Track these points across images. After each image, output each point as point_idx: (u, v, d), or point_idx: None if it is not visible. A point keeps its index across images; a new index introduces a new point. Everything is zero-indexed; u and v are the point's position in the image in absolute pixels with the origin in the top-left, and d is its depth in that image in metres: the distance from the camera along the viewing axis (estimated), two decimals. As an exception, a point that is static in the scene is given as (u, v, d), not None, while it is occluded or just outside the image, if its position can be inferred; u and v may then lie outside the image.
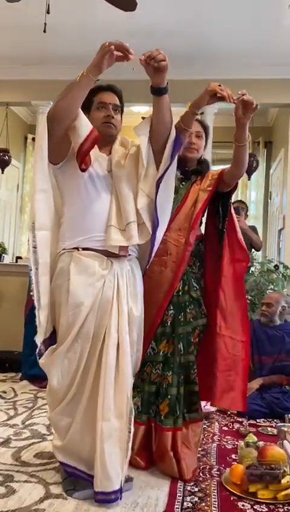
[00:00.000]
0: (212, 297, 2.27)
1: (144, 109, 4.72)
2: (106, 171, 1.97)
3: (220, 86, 1.94)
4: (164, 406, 2.15)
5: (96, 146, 1.96)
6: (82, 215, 1.91)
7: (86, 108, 2.03)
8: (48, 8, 2.61)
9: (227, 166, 2.26)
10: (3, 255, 4.85)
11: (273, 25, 3.74)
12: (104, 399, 1.82)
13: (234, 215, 2.34)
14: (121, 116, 2.08)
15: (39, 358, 1.92)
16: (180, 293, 2.21)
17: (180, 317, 2.19)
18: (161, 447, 2.12)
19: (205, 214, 2.35)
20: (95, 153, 1.95)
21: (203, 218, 2.37)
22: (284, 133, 4.86)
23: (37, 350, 1.89)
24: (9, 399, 3.36)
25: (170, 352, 2.18)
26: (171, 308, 2.18)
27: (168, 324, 2.18)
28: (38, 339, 1.87)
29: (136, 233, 1.90)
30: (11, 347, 4.28)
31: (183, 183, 2.29)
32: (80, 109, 1.87)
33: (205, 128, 2.33)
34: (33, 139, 5.00)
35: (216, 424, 2.93)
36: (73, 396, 1.90)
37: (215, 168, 2.38)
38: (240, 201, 4.84)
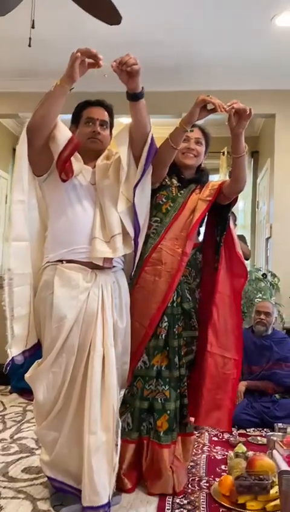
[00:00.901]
0: (206, 312, 2.20)
1: (125, 120, 4.74)
2: (90, 183, 1.98)
3: (209, 96, 1.91)
4: (162, 422, 2.06)
5: (81, 159, 1.97)
6: (66, 228, 1.91)
7: (75, 122, 2.06)
8: (33, 22, 2.63)
9: (216, 176, 2.25)
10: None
11: (258, 37, 3.79)
12: (91, 412, 1.81)
13: (233, 227, 2.27)
14: (111, 131, 2.09)
15: (9, 370, 1.88)
16: (174, 304, 2.13)
17: (174, 329, 2.12)
18: (158, 464, 2.04)
19: (204, 224, 2.30)
20: (80, 165, 1.96)
21: (201, 228, 2.32)
22: (270, 143, 4.91)
23: (7, 361, 1.85)
24: (-2, 413, 3.33)
25: (165, 366, 2.10)
26: (166, 320, 2.10)
27: (162, 337, 2.10)
28: (14, 350, 1.85)
29: (121, 245, 1.90)
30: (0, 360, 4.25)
31: (182, 191, 2.21)
32: (58, 119, 1.88)
33: (206, 135, 2.26)
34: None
35: (206, 434, 2.93)
36: (59, 411, 1.88)
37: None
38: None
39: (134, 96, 1.87)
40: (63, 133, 1.89)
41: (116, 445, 1.85)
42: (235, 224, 4.70)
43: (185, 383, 2.15)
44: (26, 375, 1.91)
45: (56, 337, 1.84)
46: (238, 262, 2.22)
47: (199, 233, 2.29)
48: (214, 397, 2.12)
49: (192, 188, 2.23)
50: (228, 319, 2.19)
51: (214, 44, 3.89)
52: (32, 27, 2.62)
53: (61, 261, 1.90)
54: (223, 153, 5.73)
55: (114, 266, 1.97)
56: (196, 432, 2.90)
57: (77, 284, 1.86)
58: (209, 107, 1.92)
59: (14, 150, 6.06)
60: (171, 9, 3.40)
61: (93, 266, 1.90)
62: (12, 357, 1.85)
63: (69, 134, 1.91)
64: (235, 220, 4.68)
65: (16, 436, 2.81)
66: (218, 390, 2.13)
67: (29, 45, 2.62)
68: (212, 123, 5.00)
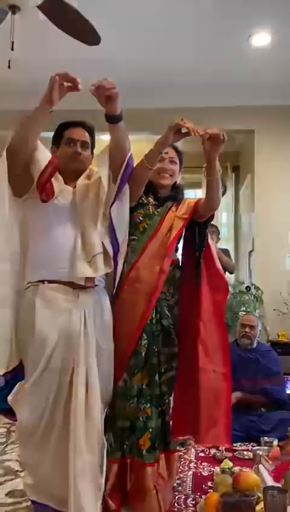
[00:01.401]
0: (191, 328, 2.18)
1: (103, 137, 4.79)
2: (71, 203, 1.98)
3: (183, 120, 1.92)
4: (144, 440, 2.03)
5: (62, 180, 1.99)
6: (47, 248, 1.90)
7: (56, 143, 2.07)
8: (12, 44, 2.66)
9: (195, 190, 2.27)
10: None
11: (235, 56, 3.88)
12: (75, 434, 1.78)
13: (212, 243, 2.28)
14: (92, 151, 2.11)
15: None
16: (154, 321, 2.11)
17: (154, 347, 2.10)
18: (142, 483, 2.01)
19: (182, 240, 2.31)
20: (60, 186, 1.97)
21: (179, 244, 2.32)
22: (250, 158, 5.00)
23: None
24: (-18, 435, 3.27)
25: (146, 384, 2.08)
26: (145, 337, 2.08)
27: (142, 355, 2.08)
28: None
29: (103, 264, 1.91)
30: (-16, 380, 4.19)
31: (158, 209, 2.23)
32: (38, 141, 1.89)
33: (179, 153, 2.27)
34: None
35: (193, 450, 2.92)
36: (43, 433, 1.86)
37: (186, 193, 2.38)
38: (211, 224, 4.90)
39: (113, 119, 1.89)
40: (43, 155, 1.90)
41: (102, 466, 1.83)
42: (218, 238, 4.74)
43: (166, 401, 2.14)
44: (9, 398, 1.88)
45: (38, 358, 1.82)
46: (218, 276, 2.23)
47: (176, 250, 2.31)
48: (211, 414, 2.09)
49: (168, 205, 2.24)
50: (214, 333, 2.18)
51: (192, 63, 3.97)
52: (12, 49, 2.64)
53: (42, 281, 1.89)
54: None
55: (96, 285, 1.97)
56: (182, 448, 2.90)
57: (59, 304, 1.86)
58: (184, 130, 1.94)
59: None
60: (148, 29, 3.48)
61: (75, 286, 1.90)
62: None
63: (49, 155, 1.93)
64: (218, 233, 4.73)
65: (0, 458, 2.76)
66: (213, 406, 2.10)
67: (9, 67, 2.64)
68: (193, 139, 5.08)
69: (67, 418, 1.82)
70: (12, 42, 2.65)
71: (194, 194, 5.97)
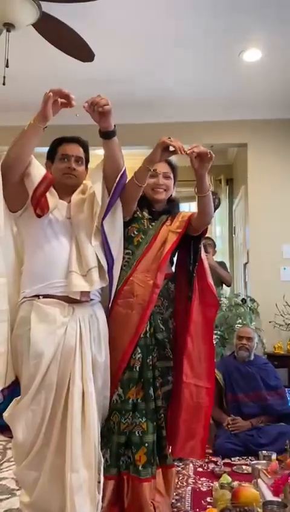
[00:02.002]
0: (180, 342, 2.20)
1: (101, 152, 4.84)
2: (66, 218, 1.99)
3: (170, 138, 1.94)
4: (140, 456, 2.01)
5: (56, 194, 2.00)
6: (42, 262, 1.91)
7: (50, 158, 2.09)
8: (7, 62, 2.69)
9: (190, 203, 2.27)
10: None
11: (227, 72, 3.94)
12: (72, 449, 1.76)
13: (204, 257, 2.28)
14: (86, 166, 2.12)
15: None
16: (148, 334, 2.11)
17: (148, 360, 2.10)
18: (139, 500, 1.98)
19: (176, 254, 2.31)
20: (55, 201, 1.98)
21: (174, 258, 2.33)
22: (243, 171, 5.05)
23: None
24: (-23, 453, 3.22)
25: (141, 398, 2.07)
26: (139, 351, 2.08)
27: (136, 369, 2.06)
28: None
29: (98, 278, 1.91)
30: (-21, 397, 4.15)
31: (153, 223, 2.24)
32: (32, 156, 1.91)
33: (173, 168, 2.27)
34: None
35: (191, 465, 2.89)
36: (39, 449, 1.83)
37: (181, 206, 2.39)
38: (207, 237, 4.90)
39: (106, 135, 1.91)
40: (37, 170, 1.92)
41: (99, 482, 1.81)
42: (215, 251, 4.76)
43: (162, 415, 2.12)
44: (5, 414, 1.86)
45: (34, 373, 1.81)
46: (209, 292, 2.24)
47: (172, 263, 2.31)
48: (189, 427, 2.11)
49: (163, 219, 2.26)
50: (201, 348, 2.19)
51: (185, 79, 4.03)
52: (7, 66, 2.67)
53: (38, 296, 1.88)
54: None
55: (92, 299, 1.97)
56: (180, 464, 2.87)
57: (54, 318, 1.84)
58: (171, 148, 1.96)
59: None
60: (141, 46, 3.53)
61: (70, 300, 1.90)
62: None
63: (43, 171, 1.94)
64: (214, 246, 4.74)
65: (-5, 477, 2.72)
66: (193, 419, 2.12)
67: (4, 83, 2.67)
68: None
69: (63, 434, 1.80)
70: (7, 59, 2.68)
71: (189, 207, 6.00)
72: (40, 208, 1.88)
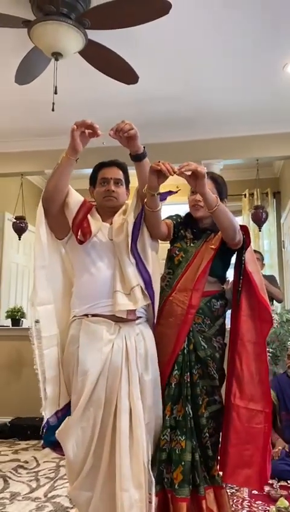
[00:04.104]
0: (230, 361, 2.13)
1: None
2: (109, 239, 2.05)
3: (158, 162, 1.90)
4: (177, 474, 1.96)
5: (100, 218, 2.08)
6: (89, 283, 1.97)
7: (93, 183, 2.18)
8: (56, 89, 2.80)
9: (239, 218, 2.20)
10: (22, 319, 4.90)
11: (270, 85, 3.91)
12: (121, 468, 1.77)
13: (255, 270, 2.19)
14: (127, 187, 2.17)
15: (46, 432, 1.89)
16: (185, 351, 2.08)
17: (185, 377, 2.05)
18: None
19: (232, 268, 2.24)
20: (98, 224, 2.05)
21: (226, 274, 2.27)
22: (290, 184, 4.95)
23: (44, 423, 1.87)
24: (32, 469, 3.28)
25: (181, 416, 2.03)
26: (176, 368, 2.06)
27: (173, 385, 2.05)
28: (47, 412, 1.87)
29: (140, 296, 1.94)
30: (32, 413, 4.23)
31: (195, 241, 2.21)
32: (69, 186, 2.01)
33: (217, 183, 2.23)
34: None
35: (245, 488, 2.80)
36: (91, 468, 1.85)
37: None
38: (255, 251, 4.78)
39: (136, 157, 1.97)
40: (75, 199, 2.02)
41: (150, 502, 1.79)
42: (263, 264, 4.65)
43: (207, 434, 2.05)
44: (57, 432, 1.90)
45: (81, 390, 1.84)
46: (261, 306, 2.13)
47: (221, 280, 2.27)
48: (242, 453, 2.00)
49: (206, 236, 2.21)
50: (254, 368, 2.08)
51: (227, 94, 4.02)
52: (55, 93, 2.78)
53: (86, 315, 1.95)
54: (245, 195, 5.81)
55: (139, 317, 1.99)
56: (234, 485, 2.78)
57: (101, 336, 1.89)
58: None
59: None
60: (182, 64, 3.56)
61: (116, 319, 1.94)
62: (47, 419, 1.88)
63: (80, 199, 2.03)
64: (262, 260, 4.64)
65: (50, 495, 2.76)
66: (246, 445, 2.00)
67: (53, 110, 2.78)
68: (232, 167, 5.11)
69: (113, 452, 1.81)
70: (56, 87, 2.78)
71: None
72: (83, 233, 1.96)
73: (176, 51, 3.36)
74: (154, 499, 1.80)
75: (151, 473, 1.84)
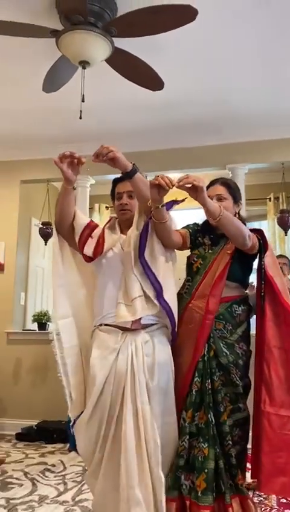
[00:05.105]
0: (257, 368, 2.12)
1: (174, 175, 4.92)
2: (121, 251, 2.15)
3: (157, 176, 1.92)
4: (200, 481, 1.95)
5: (118, 230, 2.20)
6: (101, 296, 2.11)
7: (112, 199, 2.30)
8: (83, 97, 2.84)
9: (264, 222, 2.19)
10: (48, 323, 4.95)
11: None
12: (127, 468, 1.85)
13: (276, 274, 2.17)
14: None
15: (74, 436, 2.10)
16: (205, 358, 2.07)
17: (207, 384, 2.04)
18: None
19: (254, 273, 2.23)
20: (114, 237, 2.17)
21: (248, 278, 2.28)
22: None
23: (71, 424, 2.09)
24: (59, 473, 3.31)
25: (204, 423, 2.02)
26: (196, 375, 2.05)
27: (193, 392, 2.05)
28: (73, 414, 2.07)
29: (140, 307, 1.99)
30: (58, 417, 4.28)
31: (213, 247, 2.22)
32: (75, 210, 2.16)
33: (230, 188, 2.25)
34: (73, 209, 5.31)
35: (273, 495, 2.77)
36: (98, 461, 1.98)
37: (250, 225, 2.33)
38: (281, 255, 4.72)
39: (126, 175, 2.00)
40: (79, 222, 2.16)
41: (160, 501, 1.84)
42: (289, 269, 4.58)
43: (229, 442, 2.02)
44: (73, 428, 2.08)
45: (90, 394, 1.98)
46: (285, 311, 2.10)
47: (243, 285, 2.25)
48: (275, 461, 1.97)
49: (224, 242, 2.20)
50: (282, 373, 2.06)
51: (253, 98, 3.99)
52: (83, 101, 2.82)
53: (100, 324, 2.08)
54: (270, 199, 5.75)
55: (152, 325, 2.05)
56: (262, 493, 2.75)
57: (108, 344, 2.01)
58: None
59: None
60: (209, 69, 3.55)
61: (124, 328, 2.03)
62: (74, 420, 2.05)
63: (84, 222, 2.17)
64: (289, 264, 4.57)
65: (77, 498, 2.78)
66: (279, 453, 1.97)
67: (80, 117, 2.81)
68: (256, 170, 5.08)
69: (115, 451, 1.91)
70: (83, 95, 2.82)
71: (259, 226, 5.89)
72: (94, 251, 2.10)
73: (202, 56, 3.36)
74: (164, 497, 1.84)
75: (161, 474, 1.87)
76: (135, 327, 2.02)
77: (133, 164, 1.97)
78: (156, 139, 4.52)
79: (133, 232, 2.08)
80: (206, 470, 1.96)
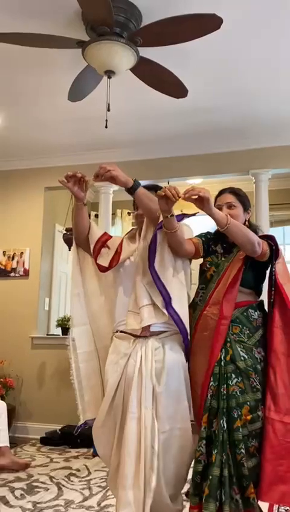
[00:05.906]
0: (265, 374, 2.10)
1: (197, 181, 4.93)
2: (135, 260, 2.22)
3: (164, 188, 1.96)
4: (206, 488, 1.93)
5: (137, 239, 2.26)
6: (117, 303, 2.20)
7: (134, 208, 2.36)
8: (108, 106, 2.88)
9: (284, 227, 2.20)
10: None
11: None
12: (124, 469, 1.90)
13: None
14: None
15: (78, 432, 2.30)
16: (222, 363, 2.06)
17: (222, 389, 2.02)
18: None
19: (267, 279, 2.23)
20: (131, 245, 2.24)
21: (261, 285, 2.30)
22: None
23: (79, 424, 2.23)
24: (83, 477, 3.34)
25: (216, 429, 2.00)
26: (212, 379, 2.05)
27: (209, 397, 2.03)
28: (89, 415, 2.19)
29: (147, 316, 2.04)
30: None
31: (226, 255, 2.23)
32: (91, 223, 2.27)
33: (239, 196, 2.29)
34: (96, 215, 5.33)
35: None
36: (116, 466, 2.02)
37: (274, 230, 2.35)
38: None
39: (128, 191, 2.06)
40: (92, 237, 2.26)
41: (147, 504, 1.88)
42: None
43: (242, 450, 1.96)
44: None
45: (104, 397, 2.09)
46: None
47: (257, 292, 2.26)
48: (276, 468, 1.95)
49: (237, 250, 2.20)
50: (288, 380, 2.06)
51: (275, 103, 3.97)
52: (108, 110, 2.86)
53: (117, 331, 2.18)
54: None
55: (163, 332, 2.10)
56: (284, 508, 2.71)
57: (120, 350, 2.11)
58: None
59: (90, 215, 6.41)
60: (230, 75, 3.55)
61: (135, 335, 2.10)
62: (86, 421, 2.18)
63: (97, 236, 2.26)
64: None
65: (103, 504, 2.80)
66: (281, 460, 1.95)
67: (106, 126, 2.85)
68: (280, 176, 5.04)
69: (118, 454, 2.01)
70: (109, 104, 2.86)
71: (283, 231, 5.84)
72: (110, 263, 2.18)
73: (227, 63, 3.37)
74: (148, 500, 1.87)
75: (153, 478, 1.89)
76: (144, 334, 2.09)
77: (134, 180, 2.03)
78: (179, 145, 4.53)
79: (141, 243, 2.16)
80: (210, 477, 1.93)
